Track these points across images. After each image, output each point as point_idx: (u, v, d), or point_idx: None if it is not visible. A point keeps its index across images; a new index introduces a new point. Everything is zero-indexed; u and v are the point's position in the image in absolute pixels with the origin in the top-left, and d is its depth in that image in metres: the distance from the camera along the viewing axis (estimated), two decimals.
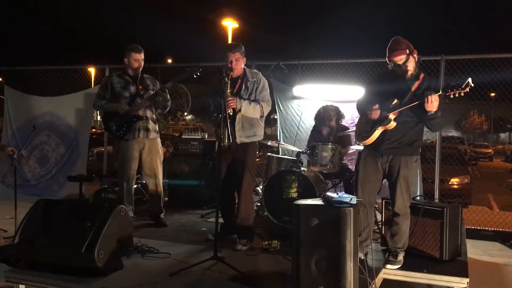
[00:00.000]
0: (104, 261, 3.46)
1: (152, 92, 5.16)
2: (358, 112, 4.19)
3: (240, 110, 4.32)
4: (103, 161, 7.89)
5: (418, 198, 4.66)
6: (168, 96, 5.22)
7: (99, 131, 13.54)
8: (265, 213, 5.39)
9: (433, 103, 3.54)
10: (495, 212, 7.28)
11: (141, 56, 5.16)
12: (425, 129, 4.08)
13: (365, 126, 3.98)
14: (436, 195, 6.06)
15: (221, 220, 4.40)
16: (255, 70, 4.69)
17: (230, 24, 18.53)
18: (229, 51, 4.41)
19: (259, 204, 5.74)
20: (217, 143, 4.79)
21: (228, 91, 4.27)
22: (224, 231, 4.52)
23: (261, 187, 5.82)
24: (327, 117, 5.80)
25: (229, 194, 4.60)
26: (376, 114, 3.84)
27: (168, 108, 5.39)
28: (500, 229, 5.91)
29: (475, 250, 5.10)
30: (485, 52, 5.96)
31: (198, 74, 4.74)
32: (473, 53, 6.01)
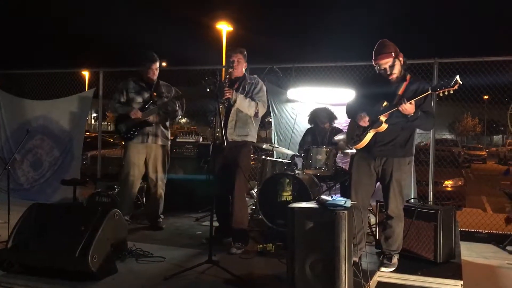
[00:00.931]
0: (98, 265, 3.45)
1: (165, 100, 5.23)
2: (348, 116, 4.21)
3: (235, 102, 4.36)
4: (97, 165, 7.86)
5: (412, 200, 4.68)
6: (177, 106, 5.26)
7: (93, 135, 13.49)
8: (260, 216, 5.39)
9: (406, 110, 3.63)
10: (489, 214, 7.29)
11: (156, 65, 5.27)
12: (419, 131, 4.09)
13: (356, 129, 4.01)
14: (430, 198, 6.06)
15: (215, 223, 4.40)
16: (254, 75, 4.76)
17: (224, 28, 18.57)
18: (232, 51, 4.62)
19: (253, 207, 5.74)
20: (211, 145, 4.79)
21: (227, 83, 4.37)
22: (219, 235, 4.51)
23: (255, 190, 5.81)
24: (321, 119, 5.81)
25: (224, 198, 4.59)
26: (364, 121, 3.88)
27: (177, 118, 5.46)
28: (494, 231, 5.93)
29: (469, 252, 5.11)
30: (478, 55, 5.99)
31: (211, 88, 4.74)
32: (466, 56, 6.04)
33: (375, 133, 3.87)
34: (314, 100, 6.46)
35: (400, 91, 3.78)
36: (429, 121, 3.88)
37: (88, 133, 13.38)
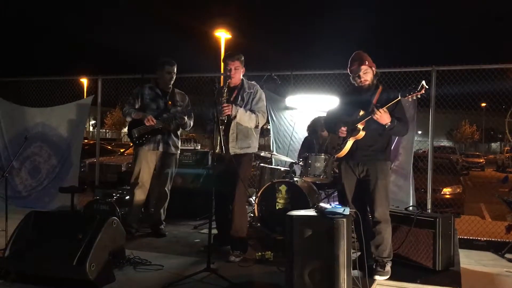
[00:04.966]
0: (96, 274, 3.44)
1: (179, 109, 5.27)
2: (325, 127, 4.35)
3: (235, 117, 4.33)
4: (95, 172, 7.85)
5: (410, 208, 4.69)
6: (186, 119, 5.28)
7: (91, 142, 13.48)
8: (258, 224, 5.37)
9: (382, 116, 3.78)
10: (487, 222, 7.30)
11: (174, 69, 5.29)
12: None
13: (337, 139, 4.15)
14: (429, 205, 6.06)
15: (214, 231, 4.38)
16: (253, 82, 4.67)
17: (223, 35, 18.60)
18: (229, 59, 4.44)
19: (252, 215, 5.73)
20: (210, 153, 4.77)
21: (225, 98, 4.32)
22: (217, 243, 4.50)
23: (254, 197, 5.81)
24: (320, 127, 5.81)
25: (223, 205, 4.58)
26: (342, 132, 4.02)
27: (187, 128, 5.45)
28: (493, 239, 5.92)
29: (468, 260, 5.10)
30: (476, 63, 6.01)
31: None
32: (464, 63, 6.06)
33: (355, 140, 4.00)
34: (312, 107, 6.47)
35: (374, 100, 3.95)
36: (403, 127, 4.01)
37: (86, 141, 13.36)
